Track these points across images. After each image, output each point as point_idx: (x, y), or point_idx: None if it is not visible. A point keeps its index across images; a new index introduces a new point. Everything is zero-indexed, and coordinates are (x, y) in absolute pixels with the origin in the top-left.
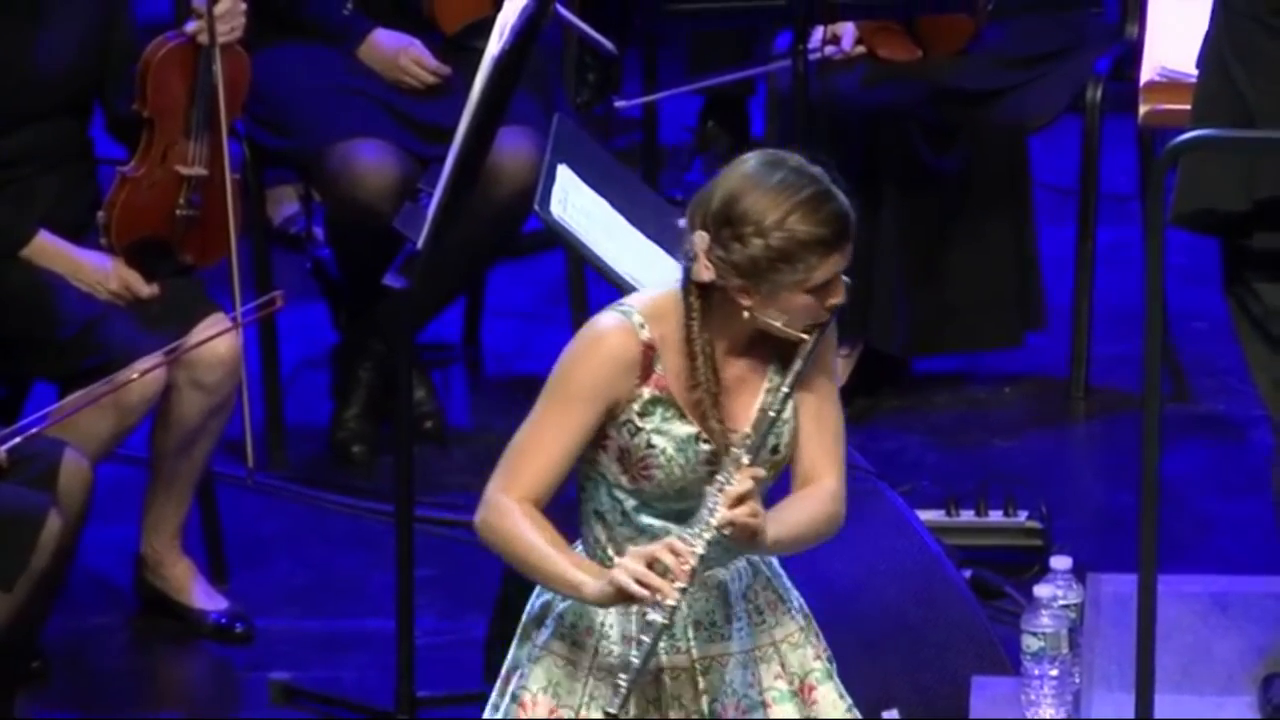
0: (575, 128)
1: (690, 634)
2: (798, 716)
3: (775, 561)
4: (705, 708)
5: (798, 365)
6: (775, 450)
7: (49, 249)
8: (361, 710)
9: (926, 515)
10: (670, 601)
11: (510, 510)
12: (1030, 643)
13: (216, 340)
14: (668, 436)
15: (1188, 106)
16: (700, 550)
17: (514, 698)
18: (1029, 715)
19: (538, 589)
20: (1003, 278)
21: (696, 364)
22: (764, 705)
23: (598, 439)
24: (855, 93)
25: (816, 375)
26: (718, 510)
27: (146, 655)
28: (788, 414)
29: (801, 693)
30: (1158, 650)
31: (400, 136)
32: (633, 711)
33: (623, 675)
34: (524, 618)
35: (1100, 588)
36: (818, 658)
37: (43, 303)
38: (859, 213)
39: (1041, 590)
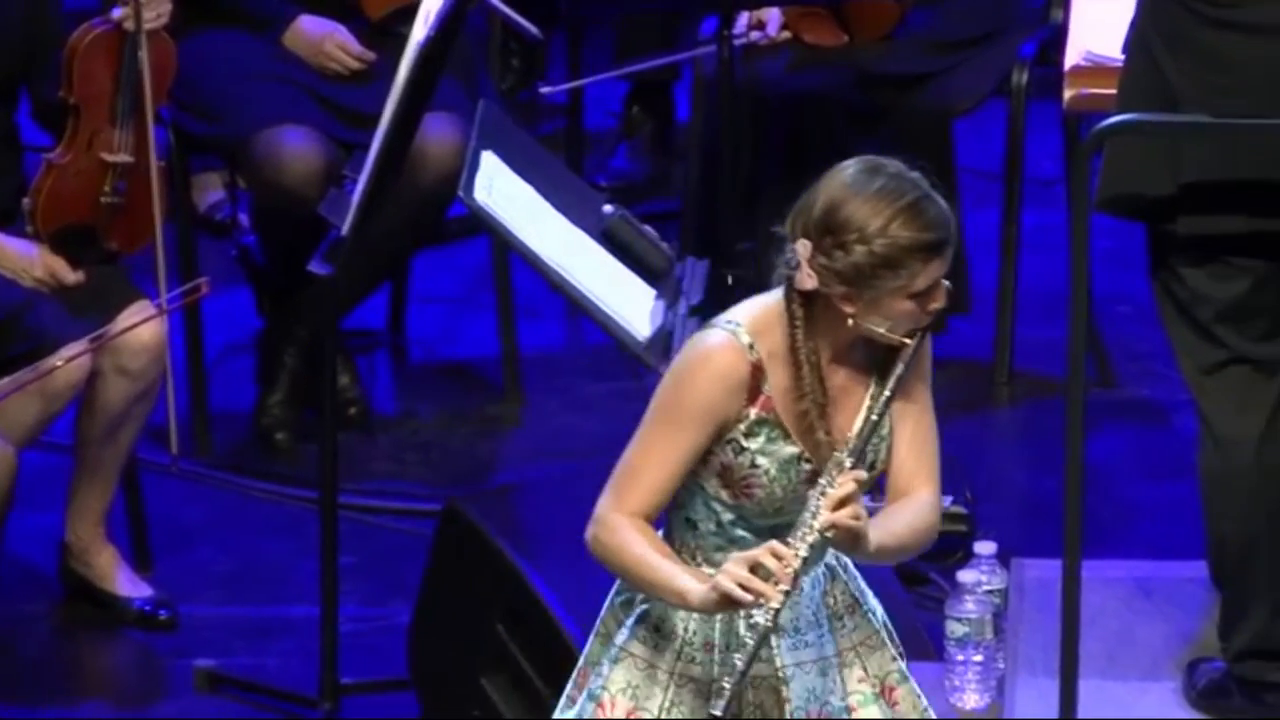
0: (500, 114)
1: (773, 641)
2: (882, 718)
3: (850, 564)
4: (790, 715)
5: (899, 370)
6: (872, 465)
7: None
8: (286, 697)
9: None
10: (774, 604)
11: (621, 526)
12: (954, 628)
13: (141, 327)
14: (772, 458)
15: (1112, 91)
16: (803, 553)
17: (592, 696)
18: (953, 701)
19: (617, 584)
20: None
21: (802, 374)
22: (849, 710)
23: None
24: (780, 78)
25: (915, 383)
26: (820, 513)
27: (71, 643)
28: (885, 429)
29: (883, 694)
30: (1082, 636)
31: (325, 123)
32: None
33: (727, 679)
34: (604, 612)
35: (1024, 573)
36: (895, 659)
37: None
38: (783, 198)
39: (966, 576)
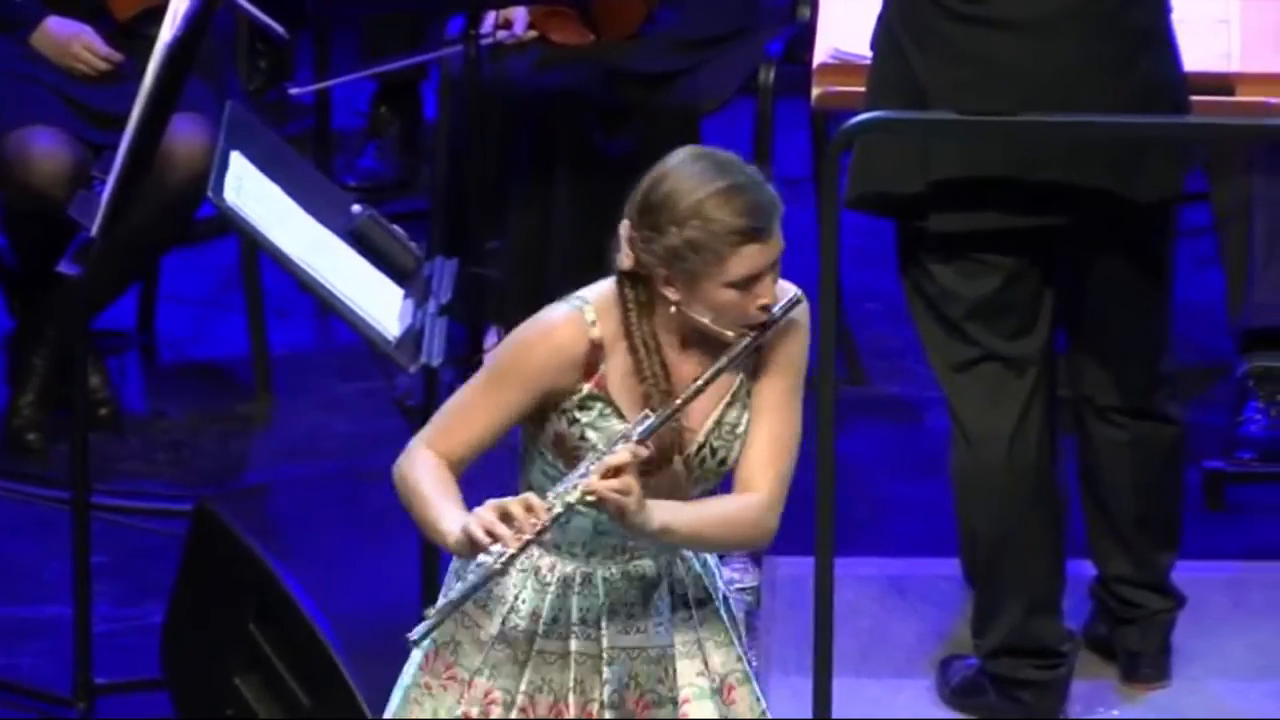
0: (248, 114)
1: (604, 622)
2: (715, 716)
3: (711, 559)
4: (605, 697)
5: (721, 363)
6: (723, 462)
7: None
8: (40, 697)
9: None
10: (511, 550)
11: (420, 460)
12: None
13: None
14: (602, 433)
15: (860, 88)
16: (558, 509)
17: (420, 646)
18: None
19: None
20: None
21: (639, 357)
22: (676, 703)
23: (539, 418)
24: (528, 76)
25: (777, 384)
26: (589, 476)
27: None
28: (741, 427)
29: (722, 692)
30: (836, 634)
31: (74, 124)
32: (524, 686)
33: (433, 607)
34: (449, 574)
35: (777, 570)
36: (740, 659)
37: None
38: (531, 197)
39: None
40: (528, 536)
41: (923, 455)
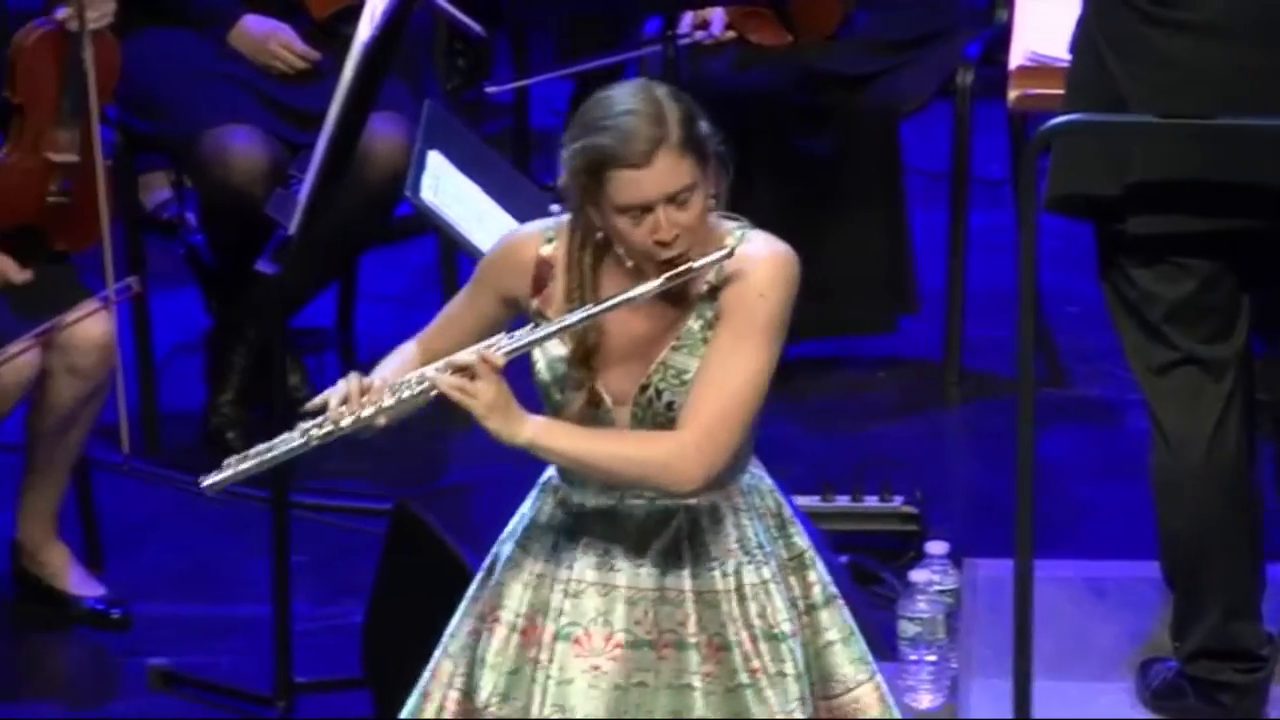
0: (446, 113)
1: (578, 554)
2: (692, 665)
3: (729, 522)
4: (554, 627)
5: (615, 299)
6: (670, 406)
7: None
8: (241, 696)
9: (802, 501)
10: (342, 424)
11: (401, 349)
12: (907, 628)
13: (90, 326)
14: (543, 352)
15: (1057, 91)
16: (387, 402)
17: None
18: (908, 700)
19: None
20: (876, 262)
21: (571, 279)
22: (644, 645)
23: None
24: (726, 77)
25: (723, 330)
26: (433, 371)
27: (23, 642)
28: (690, 374)
29: (707, 648)
30: (1035, 636)
31: (271, 122)
32: (519, 603)
33: (235, 456)
34: None
35: (976, 573)
36: (731, 622)
37: None
38: (730, 196)
39: (918, 575)
40: (364, 414)
41: (1123, 457)
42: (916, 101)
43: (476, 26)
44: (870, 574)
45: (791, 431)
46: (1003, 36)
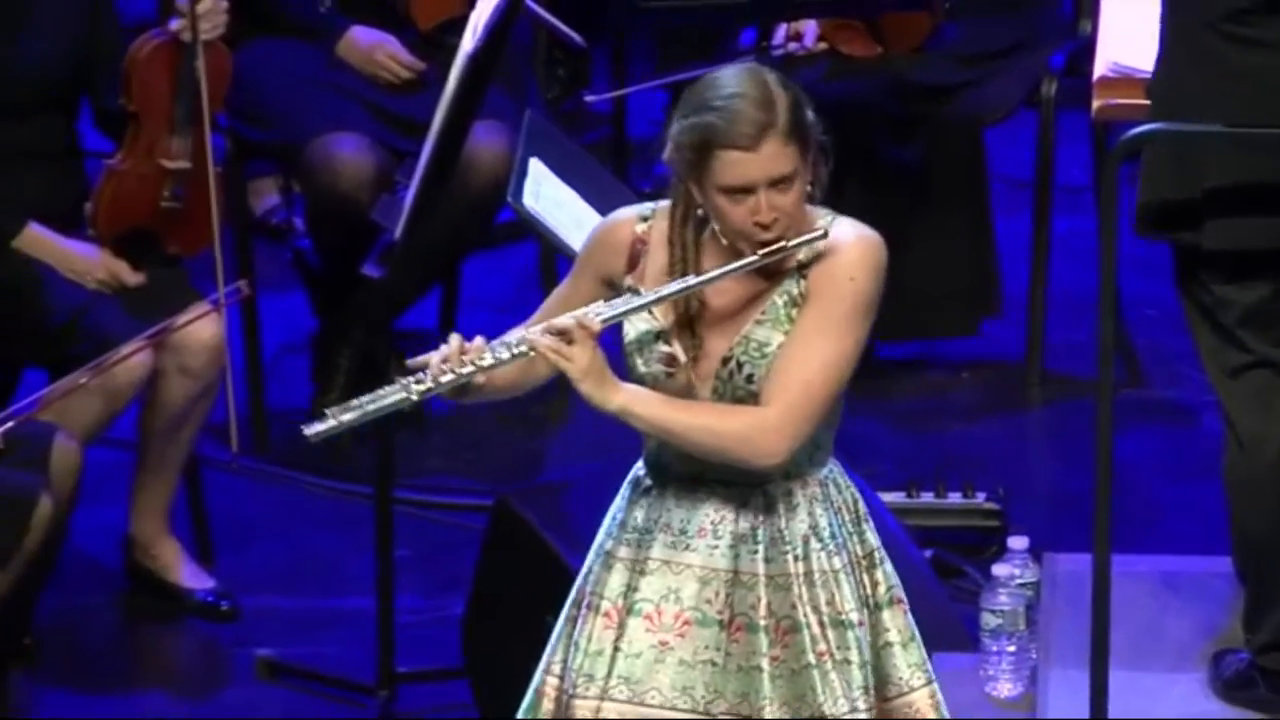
0: (546, 122)
1: (657, 534)
2: (762, 648)
3: (803, 509)
4: (626, 603)
5: (711, 274)
6: (750, 379)
7: (39, 239)
8: (345, 685)
9: (888, 498)
10: (426, 384)
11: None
12: (989, 620)
13: (201, 327)
14: (634, 326)
15: (1139, 101)
16: (486, 361)
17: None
18: (988, 690)
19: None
20: (961, 267)
21: (674, 254)
22: (713, 623)
23: None
24: (817, 87)
25: (809, 310)
26: (533, 332)
27: (135, 632)
28: (772, 347)
29: (776, 631)
30: (1111, 628)
31: (377, 130)
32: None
33: (337, 407)
34: None
35: (1056, 567)
36: (798, 604)
37: (33, 291)
38: (821, 205)
39: (999, 569)
40: (448, 374)
41: (1198, 457)
42: (1002, 111)
43: (576, 37)
44: (953, 568)
45: (878, 430)
46: (1087, 48)
